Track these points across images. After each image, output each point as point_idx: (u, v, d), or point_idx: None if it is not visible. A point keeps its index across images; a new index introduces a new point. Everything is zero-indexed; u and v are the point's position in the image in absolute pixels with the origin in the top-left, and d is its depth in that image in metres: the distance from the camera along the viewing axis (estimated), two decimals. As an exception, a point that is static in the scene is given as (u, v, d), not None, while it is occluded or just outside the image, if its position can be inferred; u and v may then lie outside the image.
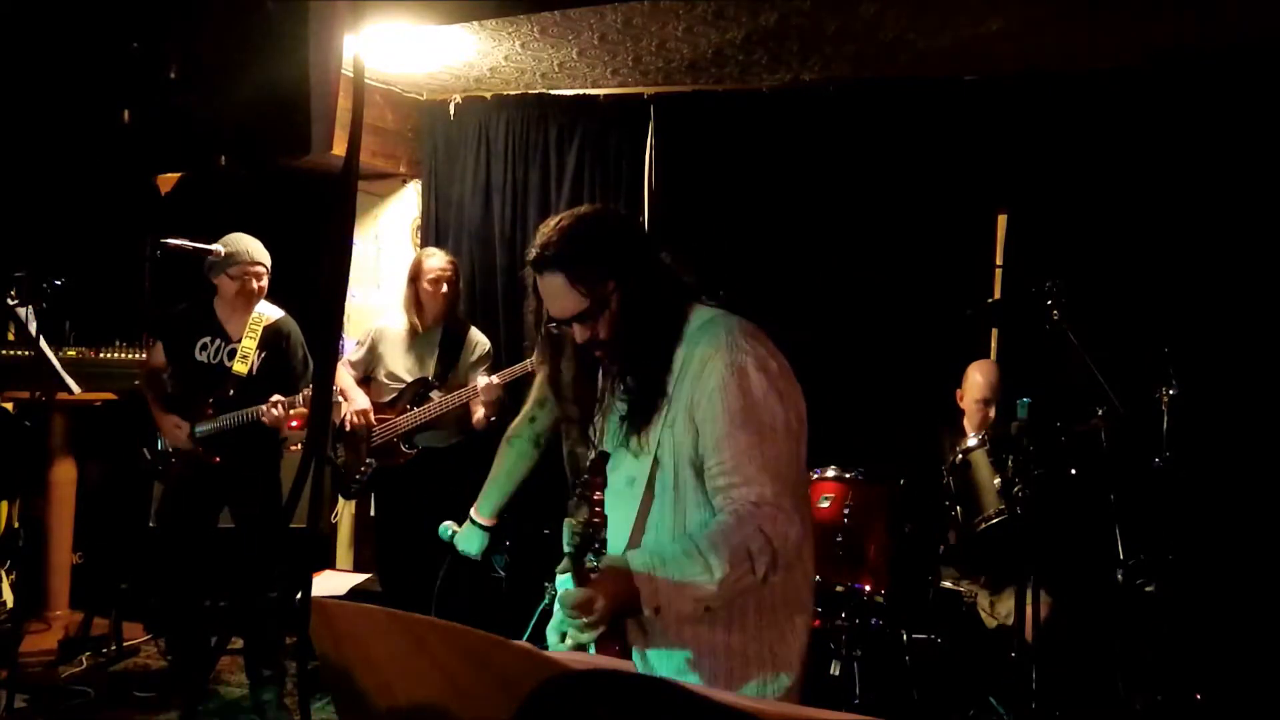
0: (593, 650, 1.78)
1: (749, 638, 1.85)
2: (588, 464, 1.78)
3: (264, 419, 3.74)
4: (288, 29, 1.34)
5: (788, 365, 1.89)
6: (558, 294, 1.87)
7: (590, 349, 1.92)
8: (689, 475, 1.84)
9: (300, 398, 3.74)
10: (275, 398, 3.73)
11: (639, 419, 1.87)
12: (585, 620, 1.68)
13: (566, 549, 1.74)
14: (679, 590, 1.70)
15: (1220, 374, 4.00)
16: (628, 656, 1.82)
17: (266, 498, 3.93)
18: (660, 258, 1.94)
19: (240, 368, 3.86)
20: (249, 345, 3.88)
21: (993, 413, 3.71)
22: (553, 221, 1.91)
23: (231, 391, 3.85)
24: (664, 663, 1.86)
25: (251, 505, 3.90)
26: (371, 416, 4.18)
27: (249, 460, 3.91)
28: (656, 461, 1.86)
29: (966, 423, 3.84)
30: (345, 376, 4.28)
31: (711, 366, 1.81)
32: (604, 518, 1.71)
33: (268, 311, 3.96)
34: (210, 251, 3.82)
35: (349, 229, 1.25)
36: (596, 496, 1.72)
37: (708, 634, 1.84)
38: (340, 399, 4.25)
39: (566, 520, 1.73)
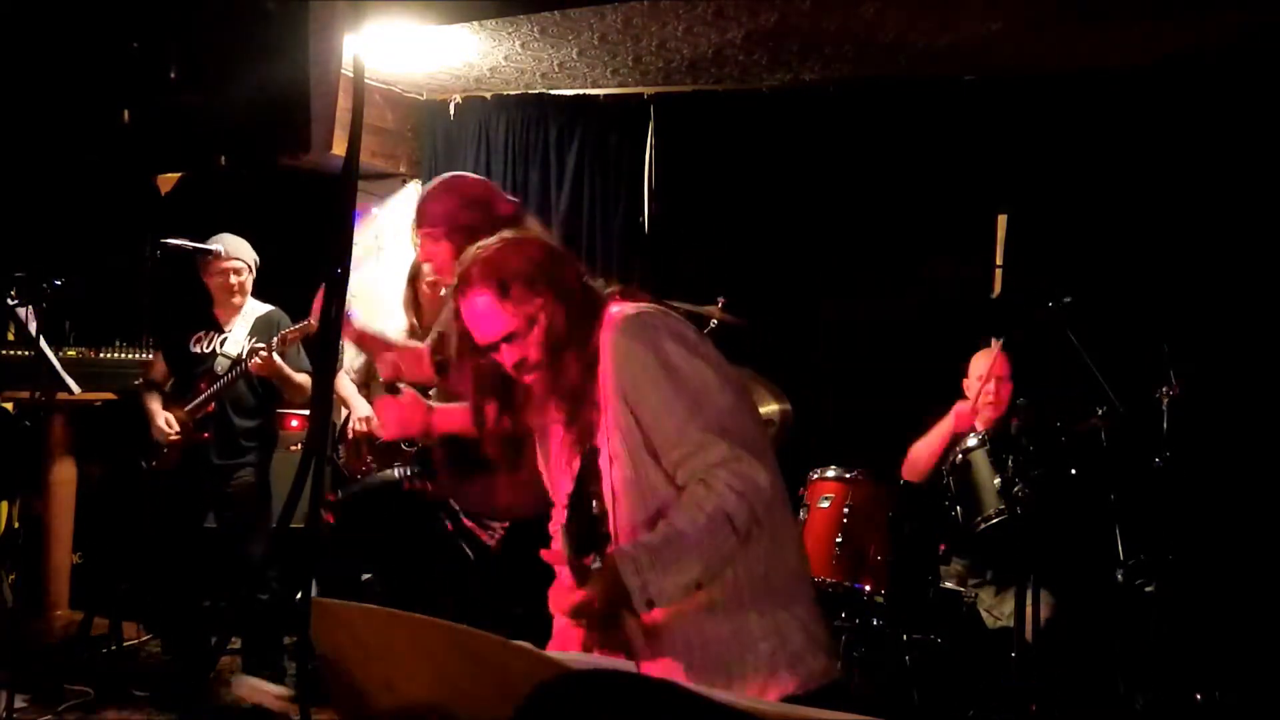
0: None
1: (753, 626, 1.82)
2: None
3: (250, 368, 3.75)
4: (288, 29, 1.34)
5: (701, 333, 1.93)
6: (485, 316, 1.89)
7: (518, 373, 1.92)
8: (646, 460, 1.85)
9: (275, 339, 3.72)
10: (255, 344, 3.74)
11: (582, 431, 1.89)
12: (584, 622, 1.69)
13: (566, 552, 1.74)
14: (667, 576, 1.70)
15: (1220, 374, 4.00)
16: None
17: (257, 499, 3.95)
18: (579, 272, 1.97)
19: (231, 350, 3.92)
20: (240, 333, 3.96)
21: (1004, 391, 3.70)
22: (473, 248, 1.95)
23: (219, 371, 3.90)
24: (669, 670, 1.85)
25: (240, 506, 3.92)
26: (375, 424, 4.17)
27: (238, 459, 3.94)
28: (613, 457, 1.87)
29: (980, 414, 3.84)
30: (347, 385, 4.26)
31: (629, 354, 1.84)
32: (604, 511, 1.70)
33: (259, 308, 4.06)
34: (209, 252, 3.86)
35: (349, 229, 1.25)
36: (592, 489, 1.71)
37: (712, 629, 1.82)
38: (342, 406, 4.25)
39: (565, 521, 1.73)
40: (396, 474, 3.10)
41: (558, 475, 2.01)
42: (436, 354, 2.79)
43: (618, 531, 1.88)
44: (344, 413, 4.25)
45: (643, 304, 1.94)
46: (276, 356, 3.74)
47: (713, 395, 1.82)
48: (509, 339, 1.89)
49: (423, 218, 2.70)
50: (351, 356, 4.51)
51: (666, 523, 1.76)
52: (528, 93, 5.13)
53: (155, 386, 4.06)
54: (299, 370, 3.88)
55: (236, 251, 3.94)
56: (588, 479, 1.70)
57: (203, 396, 3.87)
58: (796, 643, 1.83)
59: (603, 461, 1.89)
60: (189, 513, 3.95)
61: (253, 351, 3.74)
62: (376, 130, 5.11)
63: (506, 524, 2.92)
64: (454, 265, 2.64)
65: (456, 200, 2.71)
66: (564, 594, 1.73)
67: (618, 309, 1.93)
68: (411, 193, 5.49)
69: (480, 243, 1.96)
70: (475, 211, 2.69)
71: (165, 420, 3.90)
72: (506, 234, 1.99)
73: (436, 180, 2.85)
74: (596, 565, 1.73)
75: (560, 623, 1.97)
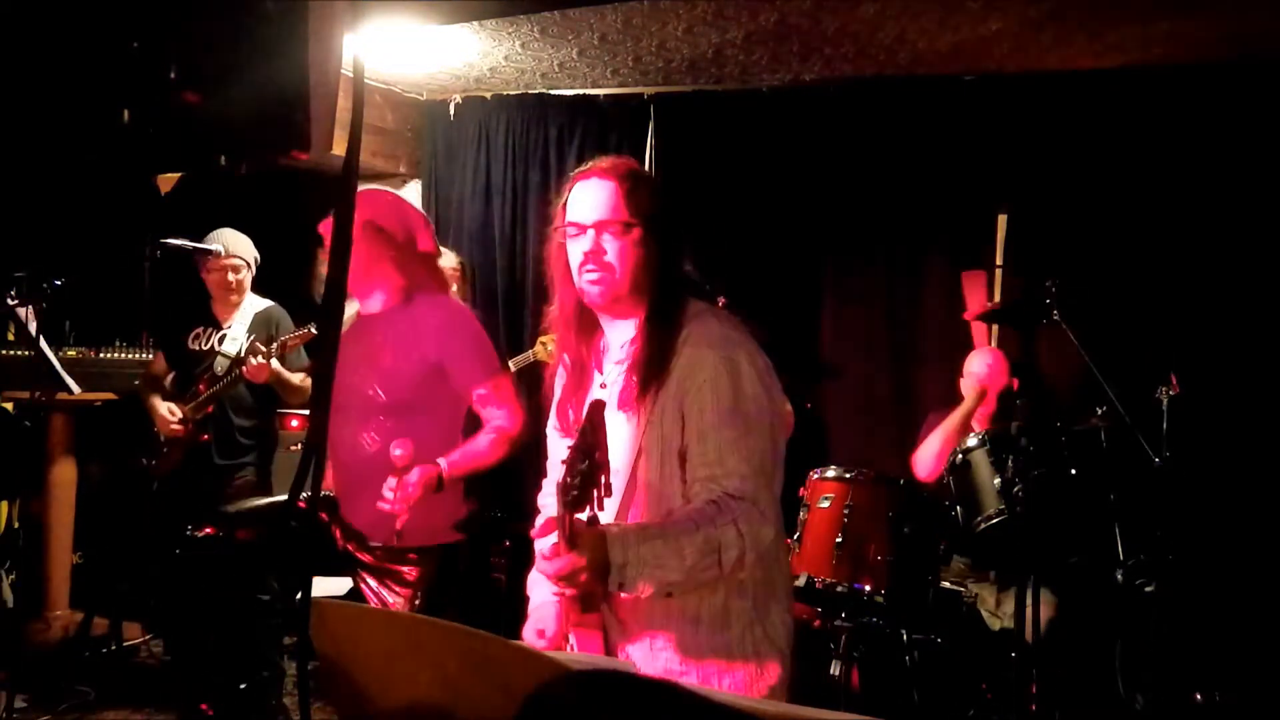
0: (573, 640, 1.79)
1: (734, 636, 1.85)
2: (585, 414, 1.71)
3: (246, 372, 3.72)
4: (288, 29, 1.34)
5: (771, 365, 1.92)
6: (599, 196, 1.89)
7: (585, 266, 1.89)
8: (674, 466, 1.85)
9: (275, 345, 3.69)
10: (255, 345, 3.73)
11: (631, 388, 1.87)
12: (558, 585, 1.68)
13: (562, 508, 1.69)
14: (646, 566, 1.69)
15: (1220, 374, 4.00)
16: (609, 653, 1.82)
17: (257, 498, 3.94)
18: (684, 246, 1.98)
19: (230, 348, 3.92)
20: (239, 330, 3.97)
21: (994, 391, 3.71)
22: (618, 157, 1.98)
23: (219, 371, 3.90)
24: (646, 661, 1.86)
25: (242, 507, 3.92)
26: None
27: (239, 459, 3.95)
28: (641, 450, 1.87)
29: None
30: None
31: (704, 359, 1.83)
32: (606, 463, 1.65)
33: (258, 303, 4.05)
34: (209, 252, 3.86)
35: (349, 229, 1.25)
36: (592, 441, 1.66)
37: (692, 632, 1.84)
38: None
39: (562, 478, 1.68)
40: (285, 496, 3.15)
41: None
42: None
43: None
44: None
45: (724, 313, 1.95)
46: (275, 362, 3.70)
47: (764, 432, 1.83)
48: (603, 229, 1.88)
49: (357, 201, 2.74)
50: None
51: (671, 522, 1.76)
52: (528, 93, 5.13)
53: (156, 383, 4.06)
54: (297, 369, 3.87)
55: (236, 249, 3.94)
56: (589, 431, 1.66)
57: (202, 397, 3.87)
58: (772, 675, 1.86)
59: (622, 439, 1.88)
60: (191, 514, 3.95)
61: (252, 351, 3.72)
62: (376, 130, 5.12)
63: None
64: (364, 267, 2.73)
65: (393, 211, 2.80)
66: (553, 556, 1.71)
67: (701, 310, 1.93)
68: (412, 193, 5.50)
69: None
70: (398, 225, 2.79)
71: (168, 409, 3.89)
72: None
73: (394, 193, 2.97)
74: (587, 518, 1.71)
75: (538, 600, 1.97)
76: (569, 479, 1.65)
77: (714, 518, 1.74)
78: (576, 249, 1.91)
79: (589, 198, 1.90)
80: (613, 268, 1.87)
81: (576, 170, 1.97)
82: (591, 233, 1.88)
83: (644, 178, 1.94)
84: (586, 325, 2.00)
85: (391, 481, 2.57)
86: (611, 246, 1.87)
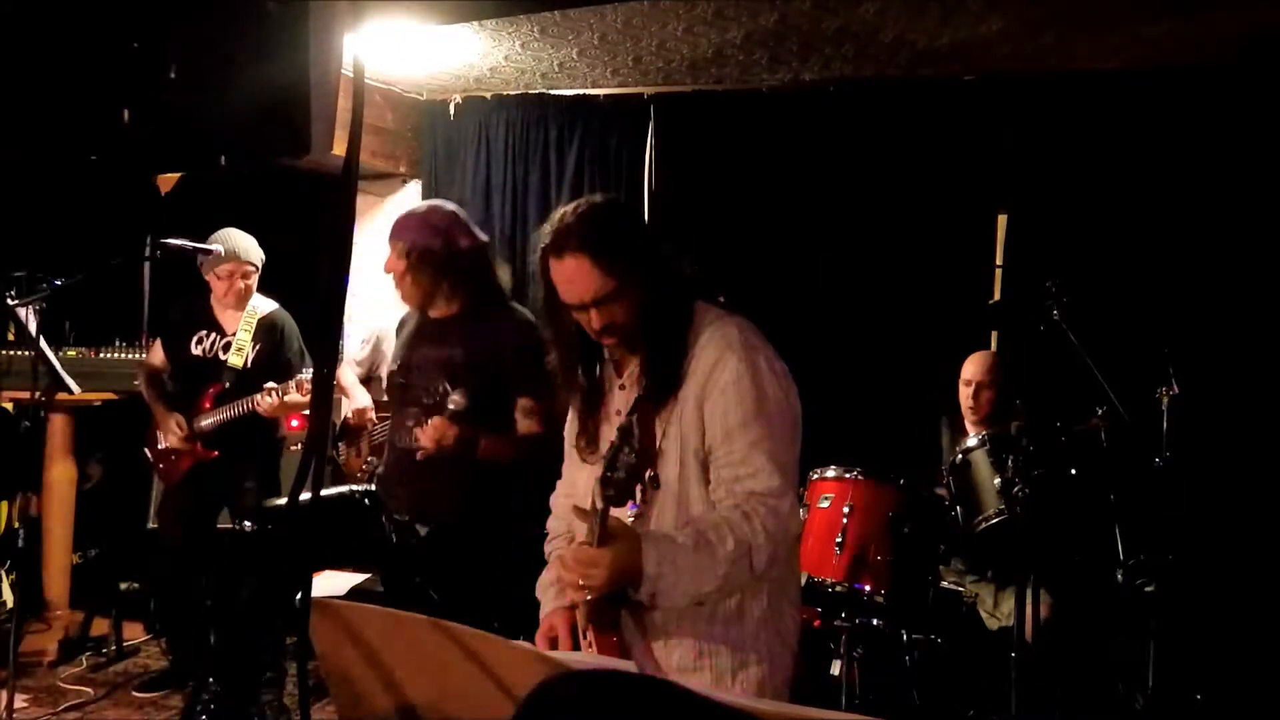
0: (590, 638, 1.79)
1: (748, 633, 1.87)
2: (631, 411, 1.74)
3: (258, 408, 3.73)
4: (288, 29, 1.34)
5: (787, 368, 1.96)
6: (579, 277, 1.86)
7: (601, 336, 1.92)
8: (694, 468, 1.87)
9: (293, 384, 3.70)
10: (268, 385, 3.72)
11: (651, 402, 1.88)
12: (584, 582, 1.70)
13: (602, 503, 1.69)
14: (680, 580, 1.71)
15: (1220, 374, 4.00)
16: (624, 651, 1.82)
17: (264, 497, 3.93)
18: (665, 249, 1.99)
19: (235, 360, 3.89)
20: (244, 338, 3.92)
21: (983, 397, 3.71)
22: (568, 208, 1.93)
23: (227, 384, 3.87)
24: (661, 659, 1.86)
25: (249, 505, 3.90)
26: (371, 415, 4.17)
27: (247, 459, 3.92)
28: (661, 452, 1.88)
29: (965, 418, 3.84)
30: (348, 374, 4.27)
31: (725, 362, 1.85)
32: (654, 458, 1.65)
33: (261, 305, 4.00)
34: (209, 252, 3.84)
35: (349, 229, 1.25)
36: (635, 436, 1.65)
37: (706, 629, 1.86)
38: (342, 397, 4.25)
39: (602, 473, 1.68)
40: (347, 488, 3.39)
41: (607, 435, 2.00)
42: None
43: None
44: (344, 405, 4.24)
45: (740, 318, 1.96)
46: (288, 398, 3.71)
47: (786, 431, 1.87)
48: (600, 302, 1.87)
49: (394, 233, 3.00)
50: (356, 348, 4.51)
51: (699, 532, 1.77)
52: (528, 93, 5.13)
53: (157, 381, 4.02)
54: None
55: (247, 255, 3.90)
56: (634, 425, 1.67)
57: (210, 420, 3.86)
58: (783, 672, 1.89)
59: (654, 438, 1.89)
60: (195, 512, 3.95)
61: (265, 390, 3.69)
62: (376, 130, 5.11)
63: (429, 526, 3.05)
64: (406, 283, 2.94)
65: (425, 228, 2.96)
66: (581, 553, 1.72)
67: (716, 314, 1.95)
68: (412, 193, 5.50)
69: (572, 203, 1.96)
70: (436, 239, 2.95)
71: (175, 424, 3.87)
72: (595, 198, 1.98)
73: (421, 205, 3.16)
74: (631, 513, 1.73)
75: (549, 608, 1.98)
76: (610, 473, 1.65)
77: (743, 523, 1.76)
78: (582, 319, 1.93)
79: (570, 280, 1.88)
80: (622, 327, 1.91)
81: (541, 243, 1.92)
82: (592, 310, 1.89)
83: (609, 222, 1.89)
84: (590, 353, 2.03)
85: (436, 419, 2.78)
86: (615, 312, 1.89)
